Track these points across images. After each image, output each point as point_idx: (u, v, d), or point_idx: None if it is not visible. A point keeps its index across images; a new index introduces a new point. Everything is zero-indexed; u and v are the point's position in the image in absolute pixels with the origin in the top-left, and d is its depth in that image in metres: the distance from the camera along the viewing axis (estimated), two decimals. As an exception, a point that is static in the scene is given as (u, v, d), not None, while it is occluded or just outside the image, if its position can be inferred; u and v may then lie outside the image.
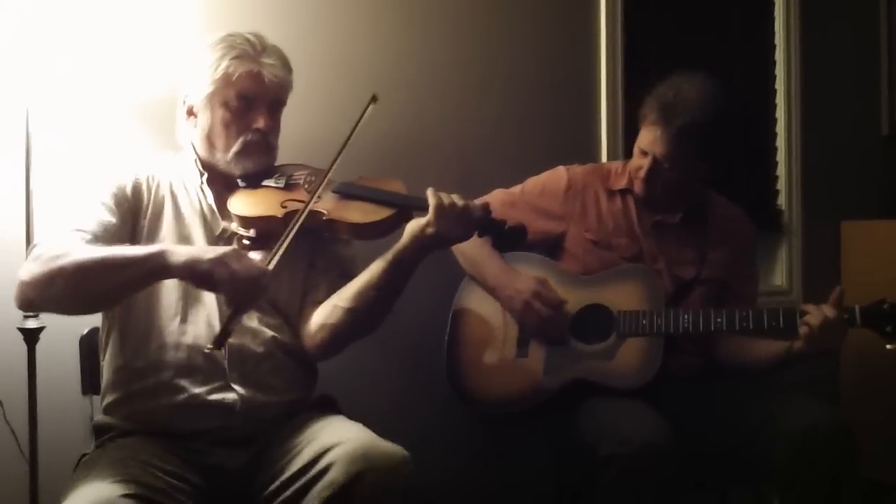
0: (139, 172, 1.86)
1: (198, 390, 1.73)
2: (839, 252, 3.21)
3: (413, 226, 1.82)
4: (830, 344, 2.01)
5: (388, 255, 1.82)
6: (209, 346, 1.66)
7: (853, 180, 3.26)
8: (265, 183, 1.89)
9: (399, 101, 2.49)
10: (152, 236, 1.81)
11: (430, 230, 1.79)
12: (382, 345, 2.39)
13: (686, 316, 2.10)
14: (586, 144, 2.77)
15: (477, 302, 2.30)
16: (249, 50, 1.85)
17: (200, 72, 1.85)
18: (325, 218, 1.84)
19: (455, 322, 2.32)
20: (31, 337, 1.98)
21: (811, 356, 2.04)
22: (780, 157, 3.16)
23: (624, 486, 1.91)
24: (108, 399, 1.80)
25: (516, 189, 2.36)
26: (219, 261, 1.58)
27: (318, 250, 1.92)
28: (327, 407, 1.89)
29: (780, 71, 3.16)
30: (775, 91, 3.16)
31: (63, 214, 1.77)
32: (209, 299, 1.79)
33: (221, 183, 1.88)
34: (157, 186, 1.86)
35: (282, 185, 1.90)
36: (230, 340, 1.70)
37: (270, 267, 1.66)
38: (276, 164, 1.94)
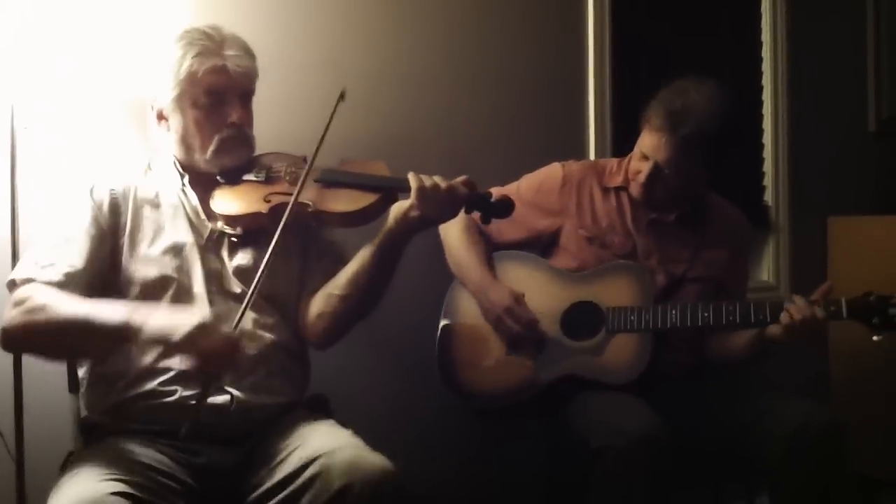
0: (115, 186, 1.83)
1: (190, 391, 1.71)
2: (826, 248, 3.22)
3: (397, 209, 1.80)
4: (808, 339, 2.01)
5: (377, 240, 1.81)
6: (192, 401, 1.66)
7: (840, 176, 3.27)
8: (246, 178, 1.87)
9: (390, 100, 2.49)
10: (133, 253, 1.78)
11: (414, 213, 1.77)
12: (377, 345, 2.40)
13: (674, 311, 2.10)
14: (575, 143, 2.77)
15: (467, 300, 2.30)
16: (209, 44, 1.81)
17: (164, 74, 1.81)
18: (310, 210, 1.82)
19: (446, 319, 2.32)
20: (17, 335, 1.97)
21: (785, 344, 2.03)
22: (768, 153, 3.17)
23: (617, 478, 1.91)
24: (94, 398, 1.79)
25: (513, 186, 2.35)
26: (187, 341, 1.57)
27: (309, 237, 1.91)
28: (319, 407, 1.89)
29: (766, 67, 3.16)
30: (762, 87, 3.17)
31: (48, 214, 1.76)
32: (200, 302, 1.77)
33: (202, 183, 1.86)
34: (134, 198, 1.83)
35: (262, 179, 1.87)
36: None
37: (237, 331, 1.64)
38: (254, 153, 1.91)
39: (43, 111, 2.07)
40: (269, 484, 1.64)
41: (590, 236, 2.27)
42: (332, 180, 1.86)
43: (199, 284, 1.79)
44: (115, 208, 1.80)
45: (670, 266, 2.25)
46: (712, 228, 2.30)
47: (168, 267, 1.78)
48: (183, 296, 1.77)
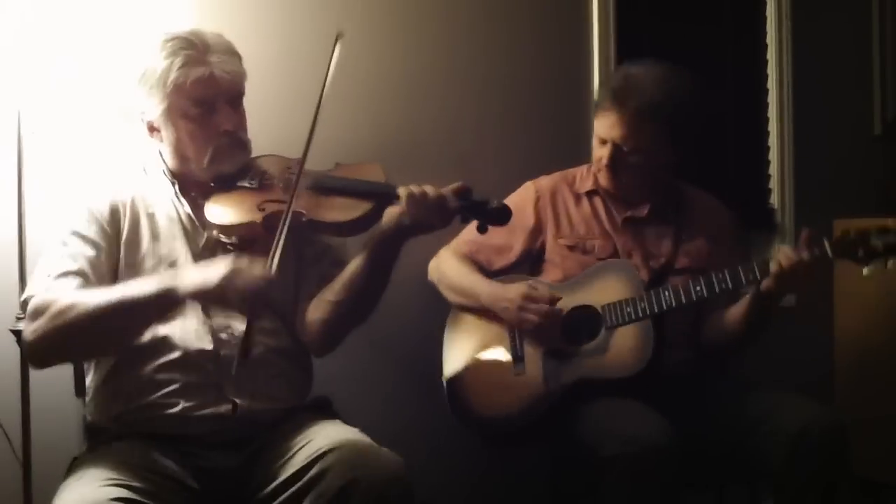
0: (114, 195, 1.82)
1: (192, 402, 1.71)
2: (831, 250, 3.21)
3: (389, 215, 1.76)
4: (799, 284, 2.02)
5: (370, 245, 1.79)
6: (238, 359, 1.64)
7: (845, 178, 3.26)
8: (239, 184, 1.83)
9: (393, 103, 2.50)
10: (130, 264, 1.77)
11: (405, 220, 1.74)
12: (378, 350, 2.40)
13: (667, 293, 2.12)
14: (580, 147, 2.76)
15: (467, 332, 2.32)
16: (193, 52, 1.76)
17: (150, 86, 1.78)
18: (304, 219, 1.78)
19: (447, 371, 2.32)
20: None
21: (779, 295, 2.04)
22: (773, 155, 3.16)
23: (627, 486, 1.91)
24: (98, 410, 1.78)
25: None
26: (225, 282, 1.58)
27: (304, 240, 1.88)
28: (323, 409, 1.88)
29: (771, 70, 3.16)
30: (767, 90, 3.17)
31: (55, 217, 1.76)
32: (195, 310, 1.76)
33: (197, 189, 1.84)
34: (131, 207, 1.81)
35: (256, 186, 1.83)
36: (223, 351, 1.72)
37: (273, 271, 1.63)
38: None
39: (49, 116, 2.08)
40: (277, 482, 1.63)
41: (570, 244, 2.30)
42: (326, 186, 1.82)
43: None
44: (115, 218, 1.79)
45: (652, 261, 2.27)
46: (689, 219, 2.32)
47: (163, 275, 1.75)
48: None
